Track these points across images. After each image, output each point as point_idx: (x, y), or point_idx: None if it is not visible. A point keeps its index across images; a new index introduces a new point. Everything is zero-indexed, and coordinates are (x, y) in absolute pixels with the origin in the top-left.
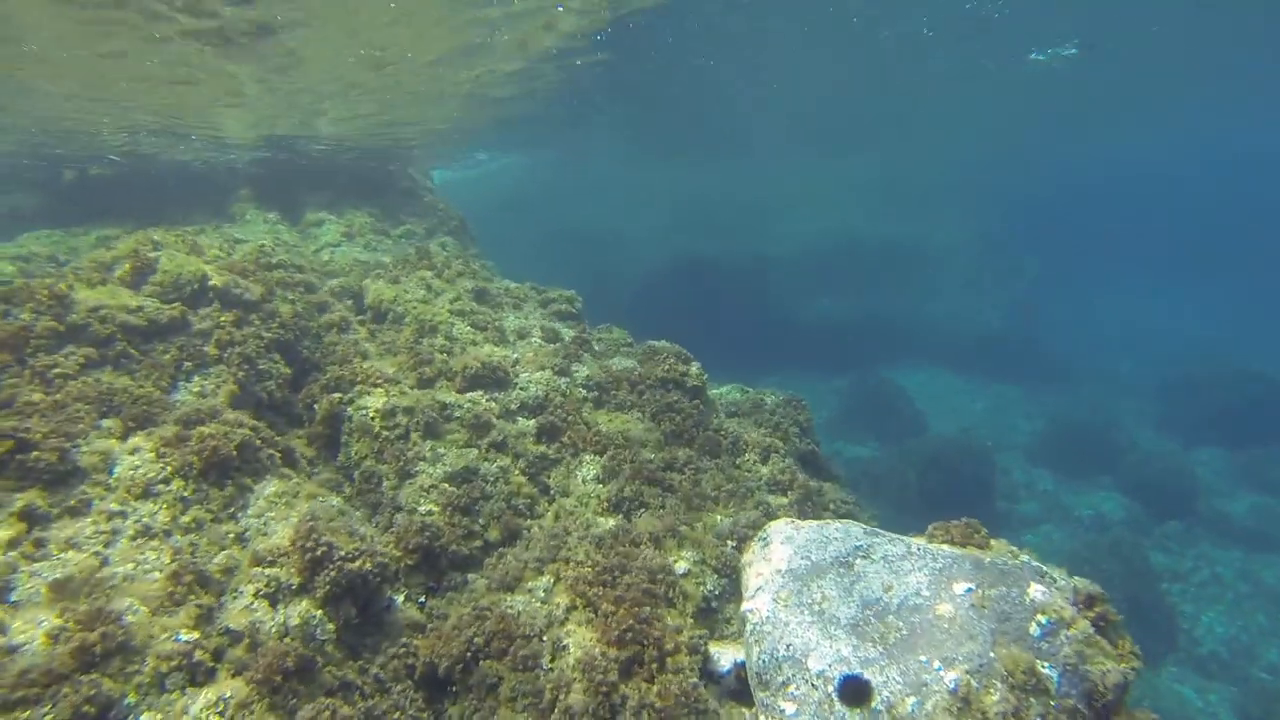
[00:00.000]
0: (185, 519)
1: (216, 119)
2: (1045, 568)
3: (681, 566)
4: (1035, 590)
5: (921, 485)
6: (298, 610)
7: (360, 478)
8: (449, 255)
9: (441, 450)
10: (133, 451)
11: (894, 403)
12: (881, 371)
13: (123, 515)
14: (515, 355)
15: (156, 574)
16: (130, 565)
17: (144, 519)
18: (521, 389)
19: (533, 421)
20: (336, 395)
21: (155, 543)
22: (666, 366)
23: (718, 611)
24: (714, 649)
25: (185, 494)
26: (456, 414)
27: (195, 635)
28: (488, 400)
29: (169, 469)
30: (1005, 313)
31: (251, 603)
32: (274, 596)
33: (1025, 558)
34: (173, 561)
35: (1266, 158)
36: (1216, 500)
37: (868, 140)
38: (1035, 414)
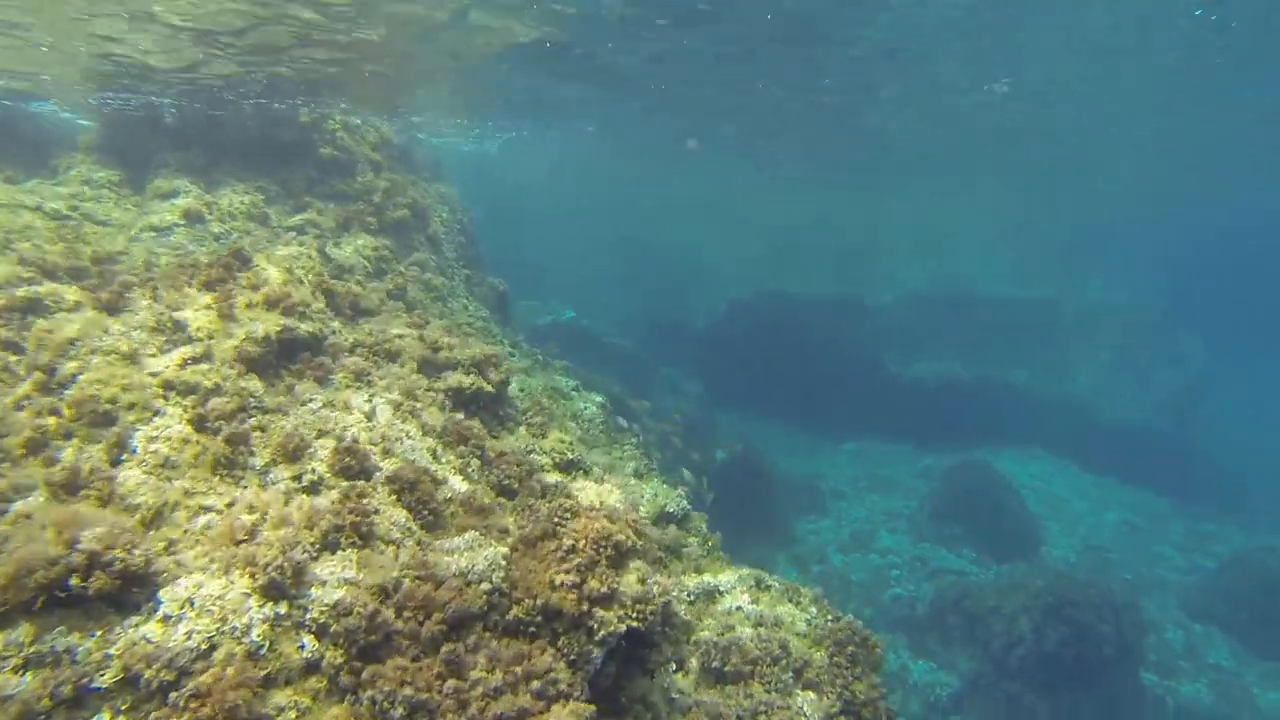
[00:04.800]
0: None
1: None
2: None
3: None
4: None
5: (1037, 642)
6: None
7: None
8: (319, 265)
9: None
10: None
11: (1001, 501)
12: (985, 453)
13: None
14: (197, 524)
15: None
16: None
17: None
18: (162, 623)
19: None
20: None
21: None
22: (563, 578)
23: None
24: None
25: None
26: None
27: None
28: (22, 670)
29: None
30: (1156, 402)
31: None
32: None
33: None
34: None
35: None
36: None
37: (1006, 172)
38: (1195, 544)
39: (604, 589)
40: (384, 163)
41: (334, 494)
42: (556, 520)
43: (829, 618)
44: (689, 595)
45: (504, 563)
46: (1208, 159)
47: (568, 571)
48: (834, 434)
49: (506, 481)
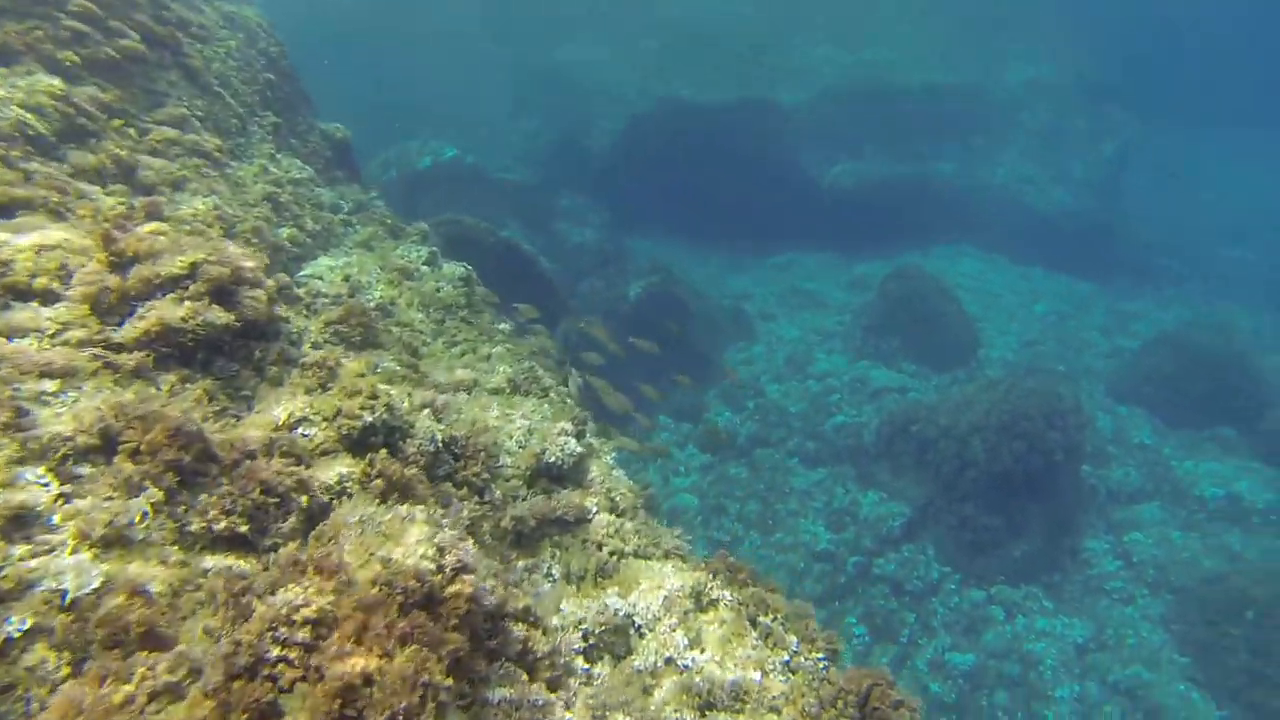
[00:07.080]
0: None
1: None
2: None
3: None
4: None
5: (990, 461)
6: None
7: None
8: None
9: None
10: None
11: (937, 307)
12: (914, 255)
13: None
14: None
15: None
16: None
17: None
18: None
19: None
20: None
21: None
22: None
23: None
24: None
25: None
26: None
27: None
28: None
29: None
30: (1080, 183)
31: None
32: None
33: None
34: None
35: None
36: None
37: None
38: (1118, 326)
39: None
40: None
41: None
42: (292, 673)
43: (820, 657)
44: (585, 636)
45: None
46: None
47: None
48: (756, 250)
49: (228, 522)
